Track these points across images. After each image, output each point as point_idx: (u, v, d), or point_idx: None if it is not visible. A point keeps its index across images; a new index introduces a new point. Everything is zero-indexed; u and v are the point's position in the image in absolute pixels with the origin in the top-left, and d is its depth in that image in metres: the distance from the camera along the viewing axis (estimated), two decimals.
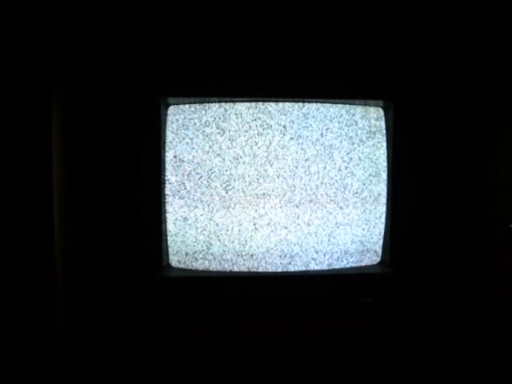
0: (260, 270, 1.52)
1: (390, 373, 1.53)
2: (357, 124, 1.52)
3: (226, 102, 1.48)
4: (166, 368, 1.49)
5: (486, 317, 1.50)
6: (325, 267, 1.54)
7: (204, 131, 1.48)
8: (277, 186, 1.51)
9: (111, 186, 1.51)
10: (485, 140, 1.54)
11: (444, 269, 1.60)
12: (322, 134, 1.51)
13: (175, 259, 1.52)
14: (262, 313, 1.54)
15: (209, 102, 1.48)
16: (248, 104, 1.49)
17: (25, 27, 1.26)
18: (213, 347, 1.50)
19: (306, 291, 1.53)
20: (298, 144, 1.50)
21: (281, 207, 1.51)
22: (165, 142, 1.48)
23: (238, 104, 1.48)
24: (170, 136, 1.48)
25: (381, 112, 1.54)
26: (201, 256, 1.52)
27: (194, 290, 1.51)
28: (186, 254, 1.52)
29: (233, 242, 1.51)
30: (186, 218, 1.50)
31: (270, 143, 1.50)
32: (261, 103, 1.49)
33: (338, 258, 1.55)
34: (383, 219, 1.55)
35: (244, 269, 1.52)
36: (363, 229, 1.56)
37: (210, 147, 1.49)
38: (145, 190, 1.48)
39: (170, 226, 1.50)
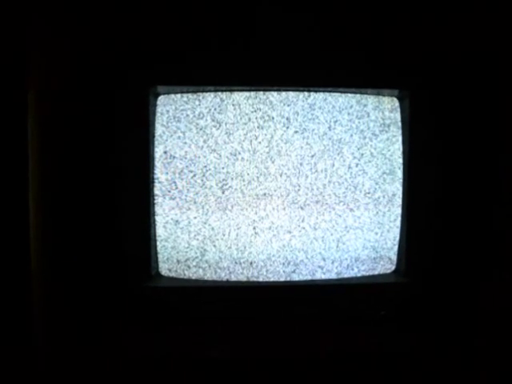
0: (260, 279, 1.48)
1: None
2: (369, 116, 1.47)
3: (222, 91, 1.43)
4: None
5: None
6: (333, 276, 1.49)
7: (198, 124, 1.43)
8: (279, 186, 1.46)
9: (94, 186, 1.44)
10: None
11: (465, 278, 1.52)
12: (329, 127, 1.46)
13: (165, 267, 1.46)
14: (262, 326, 1.48)
15: (203, 91, 1.42)
16: (247, 93, 1.43)
17: None
18: (207, 363, 1.44)
19: (312, 302, 1.48)
20: (303, 138, 1.45)
21: (284, 209, 1.46)
22: (154, 136, 1.42)
23: (235, 93, 1.43)
24: (159, 129, 1.43)
25: (396, 102, 1.48)
26: (194, 263, 1.47)
27: (186, 301, 1.46)
28: (178, 261, 1.47)
29: (230, 247, 1.46)
30: (177, 221, 1.45)
31: (272, 137, 1.45)
32: (261, 92, 1.44)
33: (348, 265, 1.50)
34: (398, 222, 1.50)
35: (242, 278, 1.47)
36: (376, 233, 1.50)
37: (205, 142, 1.43)
38: (132, 189, 1.42)
39: (160, 230, 1.45)
